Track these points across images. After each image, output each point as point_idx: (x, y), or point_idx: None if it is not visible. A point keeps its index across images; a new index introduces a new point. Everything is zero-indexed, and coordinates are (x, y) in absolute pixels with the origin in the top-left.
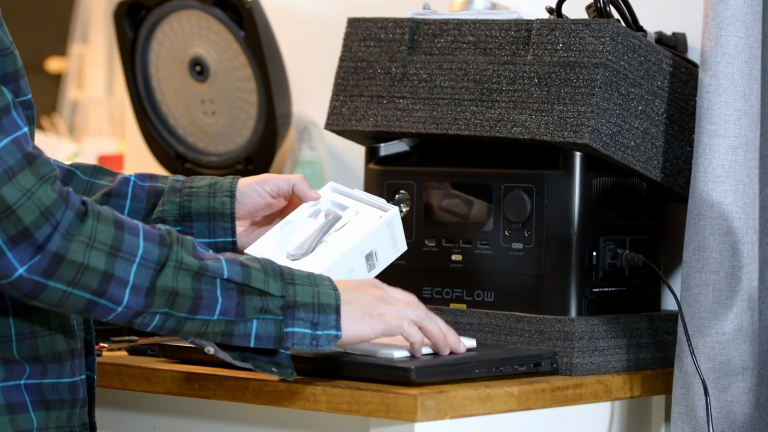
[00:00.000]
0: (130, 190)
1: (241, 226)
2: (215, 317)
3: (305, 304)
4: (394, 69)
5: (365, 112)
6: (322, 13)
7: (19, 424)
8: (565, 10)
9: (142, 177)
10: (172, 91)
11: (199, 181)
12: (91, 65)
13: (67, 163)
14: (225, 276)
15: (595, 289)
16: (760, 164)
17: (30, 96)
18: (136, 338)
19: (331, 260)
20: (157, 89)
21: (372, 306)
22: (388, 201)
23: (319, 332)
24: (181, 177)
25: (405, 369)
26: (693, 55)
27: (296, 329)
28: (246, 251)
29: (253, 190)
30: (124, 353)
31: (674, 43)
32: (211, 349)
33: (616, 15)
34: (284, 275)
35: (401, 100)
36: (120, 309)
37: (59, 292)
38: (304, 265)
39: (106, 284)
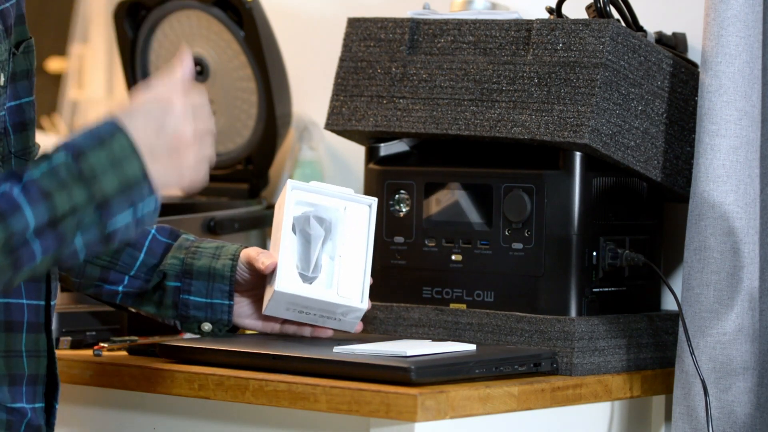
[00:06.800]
0: (146, 243)
1: (245, 297)
2: (39, 261)
3: (115, 193)
4: (394, 69)
5: (365, 112)
6: (322, 13)
7: None
8: (565, 10)
9: (162, 230)
10: None
11: (208, 243)
12: (91, 65)
13: None
14: (32, 227)
15: (595, 289)
16: (761, 164)
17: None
18: (136, 338)
19: (363, 273)
20: None
21: (177, 157)
22: (388, 200)
23: (139, 214)
24: (192, 237)
25: (405, 369)
26: (693, 55)
27: (118, 223)
28: (279, 291)
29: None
30: (124, 353)
31: (674, 43)
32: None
33: (616, 15)
34: (83, 173)
35: (401, 100)
36: None
37: None
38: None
39: None
